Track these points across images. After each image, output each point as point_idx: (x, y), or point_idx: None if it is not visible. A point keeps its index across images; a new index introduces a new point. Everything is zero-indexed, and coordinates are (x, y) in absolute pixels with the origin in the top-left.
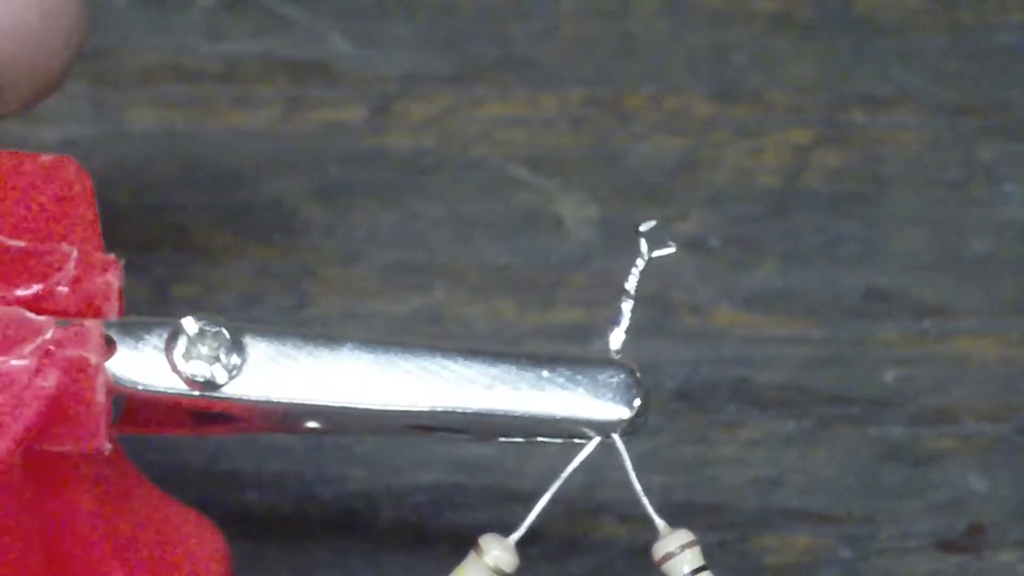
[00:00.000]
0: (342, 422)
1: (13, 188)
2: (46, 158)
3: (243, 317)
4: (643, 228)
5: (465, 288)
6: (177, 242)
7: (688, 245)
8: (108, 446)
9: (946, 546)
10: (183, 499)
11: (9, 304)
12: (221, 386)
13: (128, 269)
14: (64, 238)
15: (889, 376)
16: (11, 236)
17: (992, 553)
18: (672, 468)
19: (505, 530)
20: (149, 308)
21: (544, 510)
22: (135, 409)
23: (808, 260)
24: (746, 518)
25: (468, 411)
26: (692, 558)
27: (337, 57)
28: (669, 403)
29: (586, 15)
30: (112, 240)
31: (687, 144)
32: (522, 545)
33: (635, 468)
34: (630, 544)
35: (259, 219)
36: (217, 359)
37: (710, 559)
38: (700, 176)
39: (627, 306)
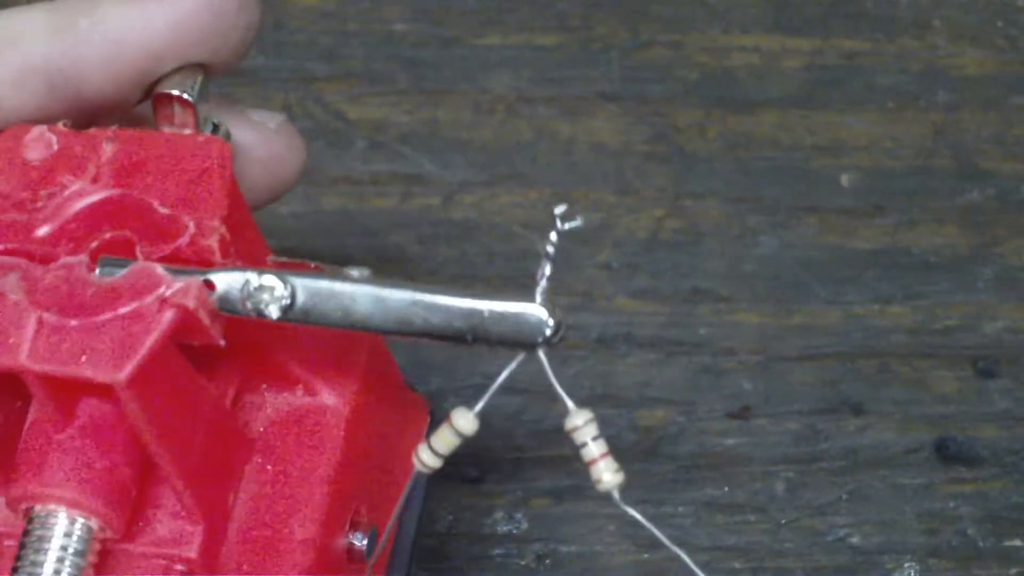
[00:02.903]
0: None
1: (170, 160)
2: (201, 137)
3: None
4: (556, 211)
5: (493, 288)
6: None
7: (601, 267)
8: (222, 342)
9: (731, 416)
10: None
11: (153, 258)
12: (275, 317)
13: None
14: (197, 206)
15: (703, 331)
16: (163, 203)
17: (754, 420)
18: (593, 378)
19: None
20: None
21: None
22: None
23: (663, 275)
24: (630, 402)
25: (448, 328)
26: (591, 428)
27: (427, 172)
28: (592, 345)
29: (550, 153)
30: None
31: (601, 216)
32: (508, 445)
33: (575, 380)
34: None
35: (387, 254)
36: (272, 301)
37: (612, 423)
38: (608, 232)
39: (546, 266)
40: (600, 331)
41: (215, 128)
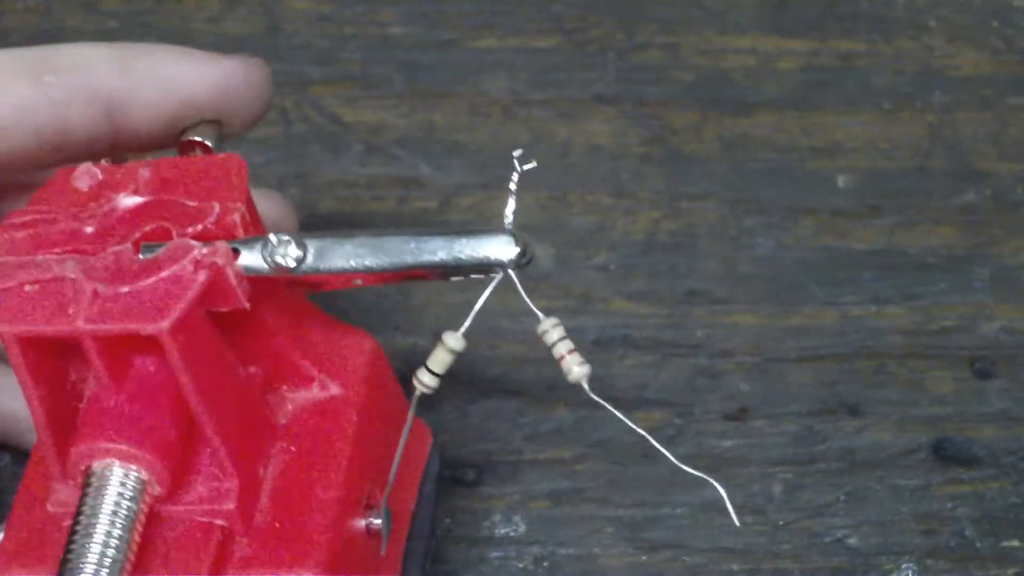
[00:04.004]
0: (371, 275)
1: (197, 173)
2: (221, 156)
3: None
4: (515, 153)
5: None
6: None
7: (598, 269)
8: (247, 305)
9: (728, 417)
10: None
11: (183, 236)
12: (291, 269)
13: None
14: (221, 195)
15: (700, 333)
16: (191, 199)
17: (751, 422)
18: (591, 380)
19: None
20: None
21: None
22: (264, 285)
23: (660, 276)
24: (628, 403)
25: (432, 261)
26: (559, 331)
27: (424, 175)
28: (589, 347)
29: (546, 155)
30: None
31: (598, 219)
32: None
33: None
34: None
35: None
36: (287, 254)
37: (609, 425)
38: (605, 234)
39: (511, 199)
40: (597, 333)
41: None
